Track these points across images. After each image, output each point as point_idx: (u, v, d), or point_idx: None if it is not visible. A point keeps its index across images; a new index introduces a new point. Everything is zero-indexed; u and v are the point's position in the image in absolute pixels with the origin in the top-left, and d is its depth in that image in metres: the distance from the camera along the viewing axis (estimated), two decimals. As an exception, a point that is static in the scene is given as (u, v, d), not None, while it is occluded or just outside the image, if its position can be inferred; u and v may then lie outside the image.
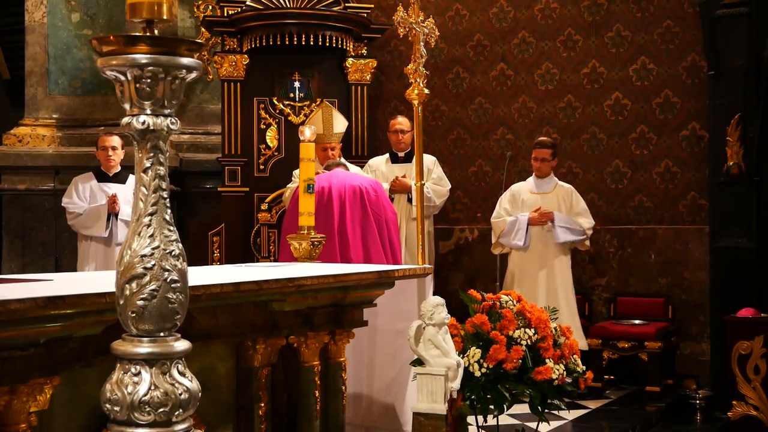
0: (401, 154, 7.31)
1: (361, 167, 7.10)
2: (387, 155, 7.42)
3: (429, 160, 7.27)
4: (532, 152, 7.05)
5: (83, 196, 6.99)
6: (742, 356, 5.74)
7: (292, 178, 6.59)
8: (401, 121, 7.31)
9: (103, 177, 7.07)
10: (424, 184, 5.32)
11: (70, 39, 8.34)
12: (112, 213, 6.87)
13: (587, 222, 6.85)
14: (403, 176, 7.08)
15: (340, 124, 6.51)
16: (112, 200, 6.84)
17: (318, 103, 7.56)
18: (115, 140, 7.08)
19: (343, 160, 6.36)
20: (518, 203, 6.96)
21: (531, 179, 7.08)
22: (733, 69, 6.52)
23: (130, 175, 7.06)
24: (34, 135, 8.24)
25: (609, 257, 7.65)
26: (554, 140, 7.31)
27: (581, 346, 5.38)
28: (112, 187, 6.98)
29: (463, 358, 4.15)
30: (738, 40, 6.48)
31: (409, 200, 6.98)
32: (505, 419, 5.25)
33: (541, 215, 6.78)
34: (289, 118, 7.56)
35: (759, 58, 6.45)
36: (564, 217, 6.80)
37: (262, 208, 7.37)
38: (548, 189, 6.98)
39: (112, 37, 1.86)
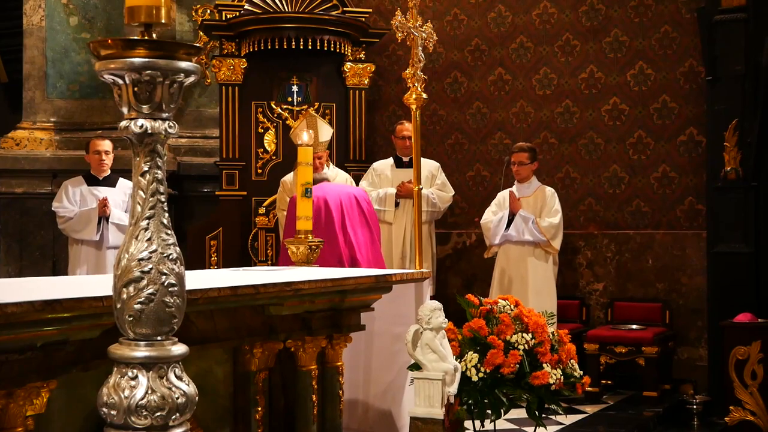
0: (406, 159, 7.33)
1: (359, 171, 7.11)
2: (391, 160, 7.43)
3: (433, 166, 7.31)
4: None
5: (73, 200, 6.98)
6: (739, 361, 5.73)
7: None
8: (408, 127, 7.32)
9: (93, 180, 7.06)
10: (422, 188, 5.33)
11: (68, 42, 8.32)
12: (103, 216, 6.85)
13: (544, 221, 6.83)
14: (409, 181, 7.10)
15: (325, 132, 6.48)
16: (103, 203, 6.82)
17: (316, 107, 7.57)
18: (108, 144, 7.07)
19: (326, 171, 6.38)
20: (502, 208, 7.03)
21: (515, 184, 7.13)
22: (730, 74, 6.52)
23: (120, 178, 7.05)
24: (32, 138, 8.23)
25: (606, 262, 7.65)
26: (534, 145, 7.33)
27: None
28: (102, 191, 6.97)
29: (460, 362, 4.15)
30: (736, 45, 6.49)
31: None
32: (502, 424, 5.24)
33: (514, 201, 6.88)
34: (287, 122, 7.57)
35: (756, 64, 6.45)
36: (531, 218, 6.81)
37: (260, 212, 7.37)
38: (528, 193, 7.03)
39: (110, 41, 1.86)
